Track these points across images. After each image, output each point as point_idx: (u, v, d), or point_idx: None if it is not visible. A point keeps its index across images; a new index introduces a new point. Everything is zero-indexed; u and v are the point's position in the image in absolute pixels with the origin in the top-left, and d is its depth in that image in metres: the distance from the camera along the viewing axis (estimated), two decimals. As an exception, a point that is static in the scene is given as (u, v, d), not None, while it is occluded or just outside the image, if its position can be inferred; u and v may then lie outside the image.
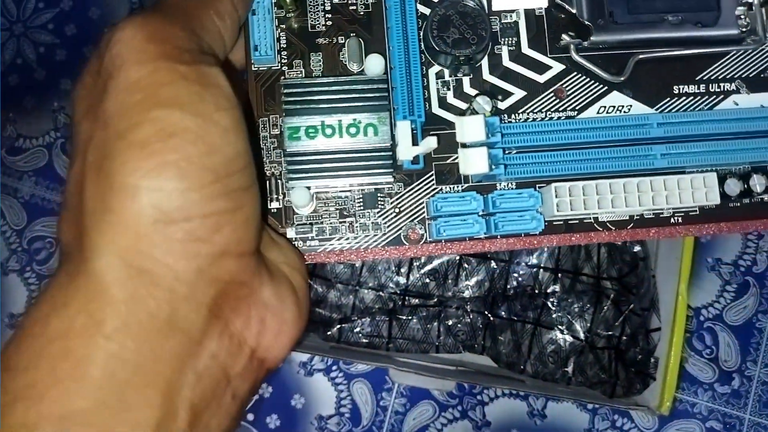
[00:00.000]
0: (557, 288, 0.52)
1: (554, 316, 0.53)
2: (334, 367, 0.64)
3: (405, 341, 0.52)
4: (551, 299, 0.53)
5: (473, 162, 0.29)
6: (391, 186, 0.30)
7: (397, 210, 0.31)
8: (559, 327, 0.53)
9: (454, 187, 0.31)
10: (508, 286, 0.52)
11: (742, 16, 0.32)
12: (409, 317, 0.53)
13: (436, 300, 0.53)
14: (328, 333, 0.51)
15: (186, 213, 0.22)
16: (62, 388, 0.21)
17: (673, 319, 0.52)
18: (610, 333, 0.54)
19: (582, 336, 0.53)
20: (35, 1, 0.69)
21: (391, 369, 0.55)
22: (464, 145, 0.30)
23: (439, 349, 0.53)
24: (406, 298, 0.52)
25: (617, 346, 0.54)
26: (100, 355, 0.21)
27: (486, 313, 0.53)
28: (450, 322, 0.53)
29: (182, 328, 0.23)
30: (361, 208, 0.30)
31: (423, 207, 0.31)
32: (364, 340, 0.52)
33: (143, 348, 0.22)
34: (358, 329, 0.51)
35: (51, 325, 0.22)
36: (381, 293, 0.52)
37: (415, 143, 0.30)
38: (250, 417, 0.63)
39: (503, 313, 0.53)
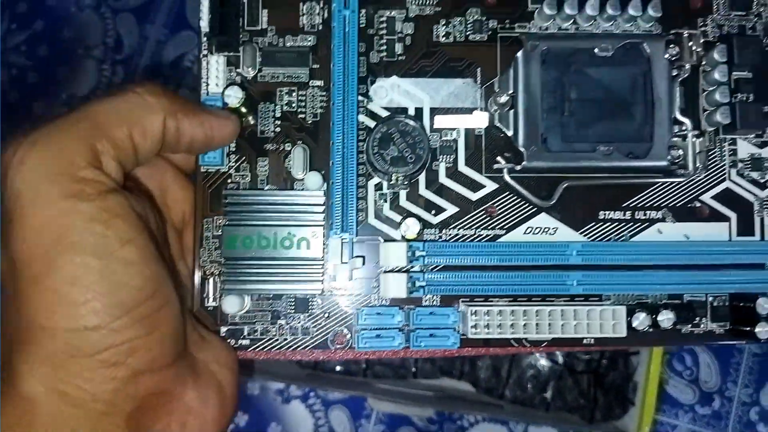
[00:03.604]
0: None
1: (533, 339, 0.56)
2: (312, 394, 0.63)
3: (382, 367, 0.54)
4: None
5: (392, 286, 0.31)
6: (321, 292, 0.32)
7: (326, 315, 0.33)
8: (539, 351, 0.56)
9: (381, 299, 0.33)
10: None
11: (675, 147, 0.34)
12: (386, 342, 0.55)
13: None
14: (303, 361, 0.51)
15: (98, 347, 0.25)
16: None
17: (651, 344, 0.54)
18: (589, 357, 0.57)
19: (561, 360, 0.56)
20: (8, 22, 0.68)
21: (369, 397, 0.57)
22: (386, 270, 0.32)
23: (417, 375, 0.54)
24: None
25: (596, 370, 0.57)
26: None
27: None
28: (427, 348, 0.56)
29: None
30: (293, 311, 0.33)
31: (351, 314, 0.33)
32: (340, 367, 0.54)
33: None
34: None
35: None
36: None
37: (345, 259, 0.32)
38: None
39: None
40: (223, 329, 0.32)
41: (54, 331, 0.24)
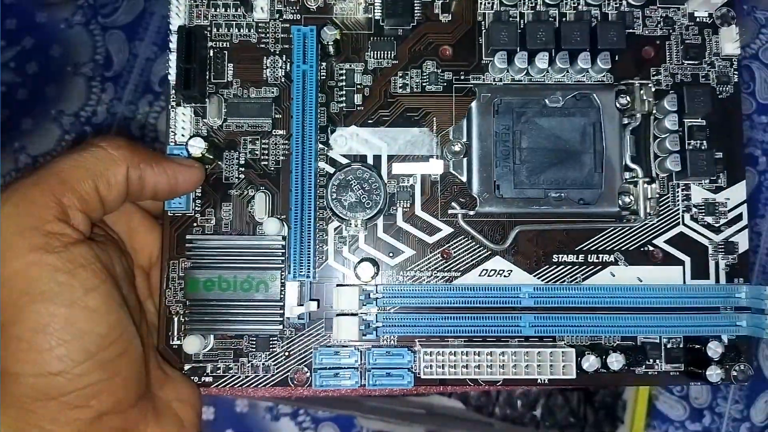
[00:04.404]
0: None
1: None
2: (301, 411, 0.62)
3: None
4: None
5: (345, 329, 0.32)
6: (282, 331, 0.34)
7: (286, 353, 0.34)
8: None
9: (338, 339, 0.34)
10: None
11: (626, 193, 0.35)
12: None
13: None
14: None
15: (63, 391, 0.26)
16: None
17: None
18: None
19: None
20: (-4, 39, 0.68)
21: (358, 416, 0.57)
22: (340, 313, 0.33)
23: (407, 392, 0.55)
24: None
25: (586, 388, 0.58)
26: None
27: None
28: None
29: None
30: (254, 350, 0.34)
31: (311, 353, 0.34)
32: None
33: None
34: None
35: None
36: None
37: (301, 302, 0.33)
38: (212, 469, 0.62)
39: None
40: (186, 366, 0.34)
41: (20, 376, 0.26)
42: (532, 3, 0.36)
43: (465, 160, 0.35)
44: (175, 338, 0.34)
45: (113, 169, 0.29)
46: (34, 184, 0.27)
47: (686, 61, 0.36)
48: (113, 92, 0.65)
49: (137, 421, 0.29)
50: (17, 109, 0.68)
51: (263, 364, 0.34)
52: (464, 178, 0.35)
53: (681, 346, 0.35)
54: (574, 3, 0.36)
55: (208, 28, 0.35)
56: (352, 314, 0.33)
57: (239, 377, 0.34)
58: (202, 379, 0.34)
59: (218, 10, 0.35)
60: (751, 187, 0.59)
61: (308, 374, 0.34)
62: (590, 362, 0.33)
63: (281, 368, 0.34)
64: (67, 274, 0.26)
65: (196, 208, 0.34)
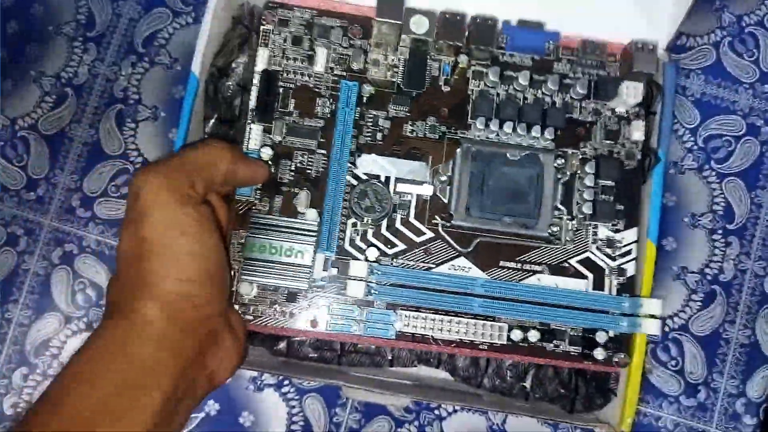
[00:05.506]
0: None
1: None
2: (286, 382, 0.61)
3: (357, 355, 0.52)
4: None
5: (354, 289, 0.47)
6: (308, 289, 0.48)
7: (308, 305, 0.48)
8: (518, 340, 0.56)
9: (347, 298, 0.48)
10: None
11: (554, 225, 0.50)
12: (362, 329, 0.55)
13: (388, 310, 0.54)
14: (276, 348, 0.51)
15: (192, 293, 0.39)
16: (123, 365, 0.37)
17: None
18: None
19: (541, 348, 0.56)
20: (-25, -3, 0.64)
21: (343, 386, 0.55)
22: (352, 278, 0.47)
23: (394, 363, 0.52)
24: (358, 307, 0.52)
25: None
26: (146, 355, 0.38)
27: (441, 324, 0.53)
28: (404, 334, 0.56)
29: (185, 351, 0.39)
30: (284, 300, 0.48)
31: (326, 307, 0.48)
32: (314, 354, 0.51)
33: (166, 356, 0.38)
34: (307, 342, 0.51)
35: (118, 351, 0.38)
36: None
37: (325, 269, 0.47)
38: (197, 437, 0.60)
39: (458, 324, 0.55)
40: (237, 307, 0.47)
41: (168, 277, 0.39)
42: (506, 88, 0.52)
43: (448, 187, 0.50)
44: (233, 286, 0.47)
45: (221, 161, 0.43)
46: (176, 164, 0.41)
47: (605, 141, 0.53)
48: (95, 53, 0.63)
49: (222, 327, 0.42)
50: (-5, 70, 0.65)
51: (290, 311, 0.48)
52: (446, 200, 0.50)
53: (580, 335, 0.50)
54: (534, 92, 0.52)
55: (281, 74, 0.50)
56: (360, 279, 0.47)
57: (271, 319, 0.48)
58: (246, 317, 0.47)
59: (289, 61, 0.50)
60: (753, 157, 0.62)
61: (321, 322, 0.48)
62: (516, 335, 0.48)
63: (303, 315, 0.48)
64: (198, 221, 0.40)
65: (257, 196, 0.49)
